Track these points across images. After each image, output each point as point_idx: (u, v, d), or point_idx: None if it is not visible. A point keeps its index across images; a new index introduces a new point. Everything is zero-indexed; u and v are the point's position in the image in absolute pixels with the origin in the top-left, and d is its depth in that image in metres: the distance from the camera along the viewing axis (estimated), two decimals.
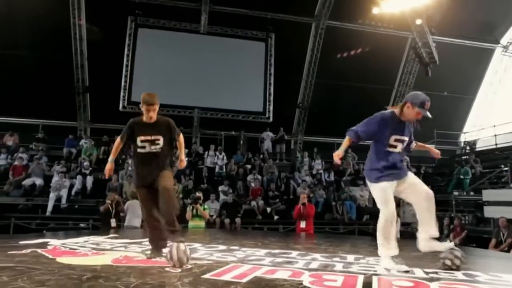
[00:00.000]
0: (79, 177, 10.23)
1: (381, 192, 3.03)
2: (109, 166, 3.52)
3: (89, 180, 10.25)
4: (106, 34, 13.60)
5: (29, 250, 3.45)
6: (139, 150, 3.39)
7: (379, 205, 3.07)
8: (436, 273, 2.85)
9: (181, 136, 3.60)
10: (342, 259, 3.47)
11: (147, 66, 13.99)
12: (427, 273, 2.83)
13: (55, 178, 9.72)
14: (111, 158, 3.56)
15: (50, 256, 3.21)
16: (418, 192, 3.08)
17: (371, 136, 3.13)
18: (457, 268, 2.95)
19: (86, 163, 10.67)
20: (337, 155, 3.10)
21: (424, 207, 3.05)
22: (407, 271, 2.84)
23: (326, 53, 14.78)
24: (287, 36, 14.65)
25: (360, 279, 2.59)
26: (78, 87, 13.88)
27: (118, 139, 3.52)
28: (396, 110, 3.10)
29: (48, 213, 9.13)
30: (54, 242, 4.07)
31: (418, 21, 13.92)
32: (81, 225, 8.81)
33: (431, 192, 3.08)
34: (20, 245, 3.74)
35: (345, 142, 3.16)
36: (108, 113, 13.52)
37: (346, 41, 14.81)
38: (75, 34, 13.40)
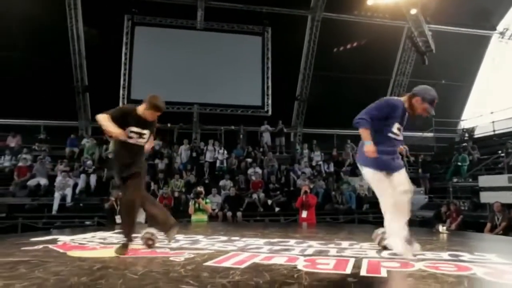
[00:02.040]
0: (82, 175, 10.41)
1: (376, 182, 3.15)
2: (119, 131, 3.24)
3: (93, 178, 10.45)
4: (104, 33, 13.68)
5: (40, 246, 3.65)
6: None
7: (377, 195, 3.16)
8: (423, 254, 3.03)
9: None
10: (337, 245, 3.65)
11: (146, 64, 14.12)
12: (414, 255, 3.01)
13: (59, 178, 9.90)
14: (115, 128, 3.22)
15: (61, 251, 3.41)
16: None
17: (381, 120, 3.10)
18: None
19: (89, 162, 10.85)
20: (371, 152, 3.00)
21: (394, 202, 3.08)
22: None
23: (323, 45, 14.86)
24: (283, 29, 14.72)
25: (351, 262, 2.77)
26: (77, 87, 14.04)
27: (108, 116, 3.23)
28: (403, 99, 3.17)
29: (54, 212, 9.36)
30: (63, 238, 4.26)
31: (413, 11, 13.95)
32: (87, 222, 9.00)
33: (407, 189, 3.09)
34: (32, 242, 3.93)
35: (365, 134, 3.05)
36: None
37: (342, 32, 14.86)
38: (73, 34, 13.52)
